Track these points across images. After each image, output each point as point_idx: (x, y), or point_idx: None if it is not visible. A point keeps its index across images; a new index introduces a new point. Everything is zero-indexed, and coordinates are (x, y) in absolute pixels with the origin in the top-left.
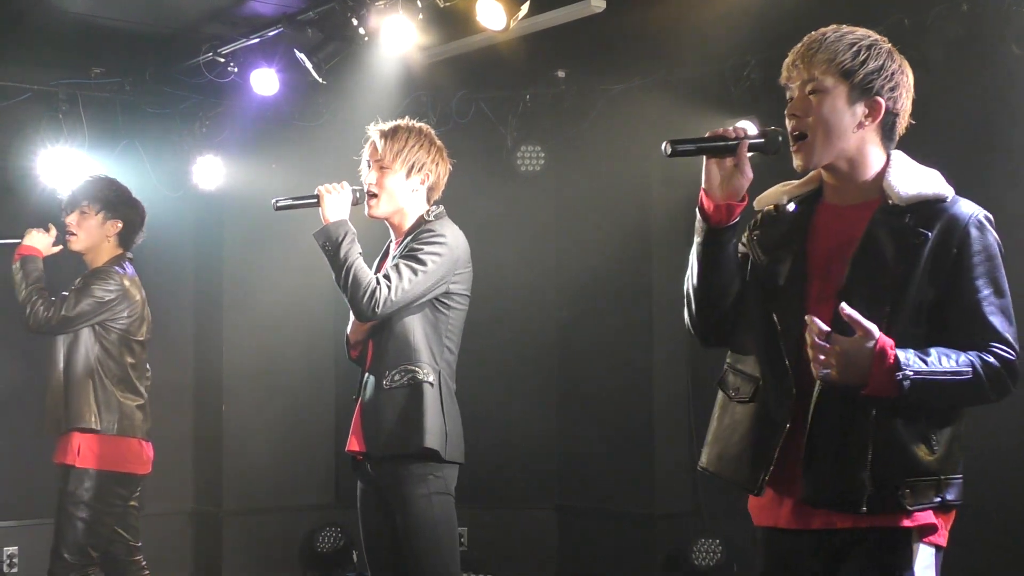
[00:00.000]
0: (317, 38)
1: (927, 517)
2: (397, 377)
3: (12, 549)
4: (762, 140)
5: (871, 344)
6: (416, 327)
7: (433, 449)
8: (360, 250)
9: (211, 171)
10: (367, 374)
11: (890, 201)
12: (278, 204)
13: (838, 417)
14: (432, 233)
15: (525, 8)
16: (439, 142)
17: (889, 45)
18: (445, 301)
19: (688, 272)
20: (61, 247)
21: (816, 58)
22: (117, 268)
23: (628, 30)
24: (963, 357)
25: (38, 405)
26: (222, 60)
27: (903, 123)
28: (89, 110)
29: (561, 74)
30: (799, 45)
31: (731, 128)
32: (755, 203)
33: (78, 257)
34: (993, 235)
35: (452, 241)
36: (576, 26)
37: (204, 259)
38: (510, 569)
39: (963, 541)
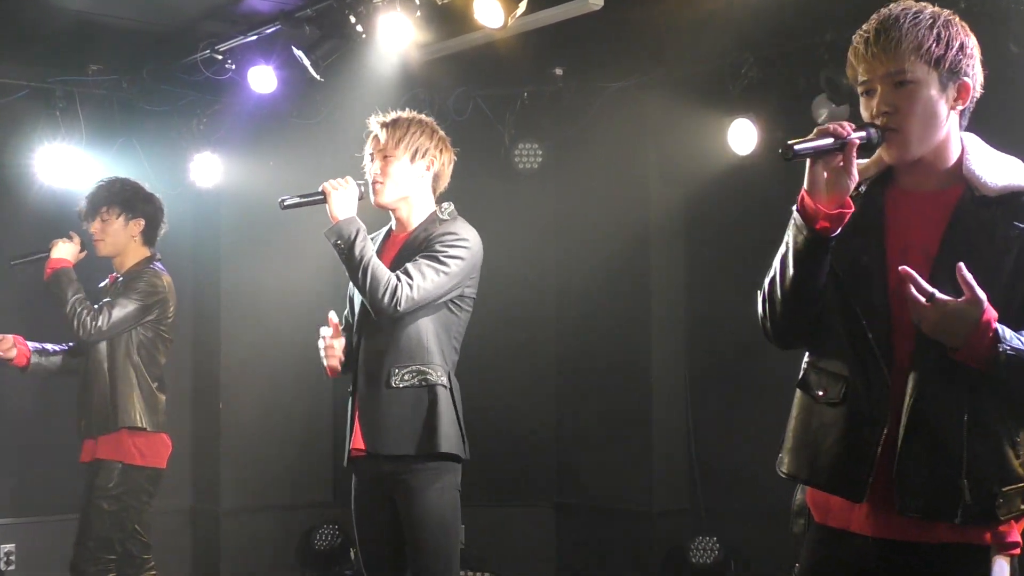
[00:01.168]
0: (315, 35)
1: (1012, 532)
2: (408, 377)
3: (9, 546)
4: (865, 137)
5: (977, 313)
6: (429, 328)
7: (452, 453)
8: (373, 247)
9: (209, 168)
10: (363, 368)
11: (978, 192)
12: (285, 203)
13: (932, 417)
14: (455, 236)
15: (523, 5)
16: (441, 132)
17: (956, 16)
18: (459, 303)
19: (774, 275)
20: (86, 252)
21: (901, 48)
22: (155, 267)
23: (626, 28)
24: None
25: (34, 404)
26: (220, 57)
27: (976, 96)
28: (86, 107)
29: (559, 72)
30: (871, 33)
31: (839, 126)
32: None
33: (107, 261)
34: None
35: (474, 246)
36: (574, 23)
37: (202, 257)
38: (509, 566)
39: None
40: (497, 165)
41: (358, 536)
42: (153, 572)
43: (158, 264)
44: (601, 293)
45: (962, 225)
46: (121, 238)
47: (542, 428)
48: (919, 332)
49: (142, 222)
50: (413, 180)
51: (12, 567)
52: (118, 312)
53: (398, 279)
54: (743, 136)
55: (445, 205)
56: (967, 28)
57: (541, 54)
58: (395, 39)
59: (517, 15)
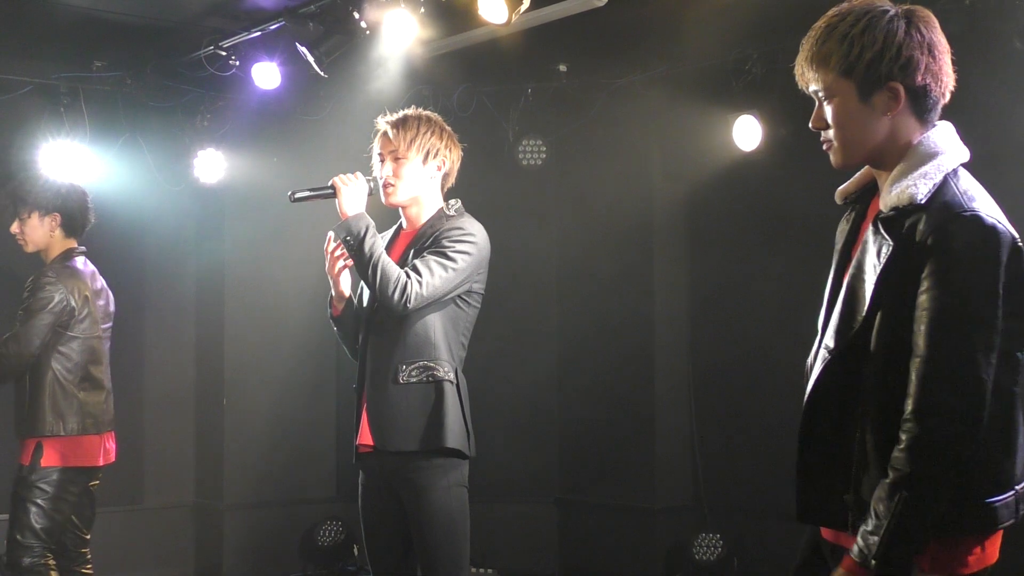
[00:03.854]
0: (318, 32)
1: (922, 557)
2: (415, 373)
3: None
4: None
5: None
6: (437, 323)
7: (456, 448)
8: (382, 243)
9: (213, 165)
10: (370, 364)
11: (880, 208)
12: (295, 196)
13: (828, 430)
14: (462, 231)
15: (527, 2)
16: (449, 128)
17: (892, 11)
18: (466, 299)
19: None
20: None
21: (815, 63)
22: (58, 267)
23: (630, 24)
24: (889, 488)
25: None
26: (223, 54)
27: (941, 88)
28: (91, 104)
29: (563, 68)
30: (801, 47)
31: None
32: (836, 195)
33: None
34: (968, 239)
35: (481, 241)
36: (578, 20)
37: (205, 253)
38: (511, 562)
39: None
40: (501, 161)
41: (365, 532)
42: (89, 567)
43: (75, 261)
44: (604, 289)
45: (866, 243)
46: (40, 235)
47: (545, 424)
48: (821, 359)
49: (58, 216)
50: (425, 180)
51: None
52: (28, 338)
53: (407, 276)
54: (747, 132)
55: (453, 201)
56: (902, 23)
57: (545, 50)
58: (399, 35)
59: (521, 11)
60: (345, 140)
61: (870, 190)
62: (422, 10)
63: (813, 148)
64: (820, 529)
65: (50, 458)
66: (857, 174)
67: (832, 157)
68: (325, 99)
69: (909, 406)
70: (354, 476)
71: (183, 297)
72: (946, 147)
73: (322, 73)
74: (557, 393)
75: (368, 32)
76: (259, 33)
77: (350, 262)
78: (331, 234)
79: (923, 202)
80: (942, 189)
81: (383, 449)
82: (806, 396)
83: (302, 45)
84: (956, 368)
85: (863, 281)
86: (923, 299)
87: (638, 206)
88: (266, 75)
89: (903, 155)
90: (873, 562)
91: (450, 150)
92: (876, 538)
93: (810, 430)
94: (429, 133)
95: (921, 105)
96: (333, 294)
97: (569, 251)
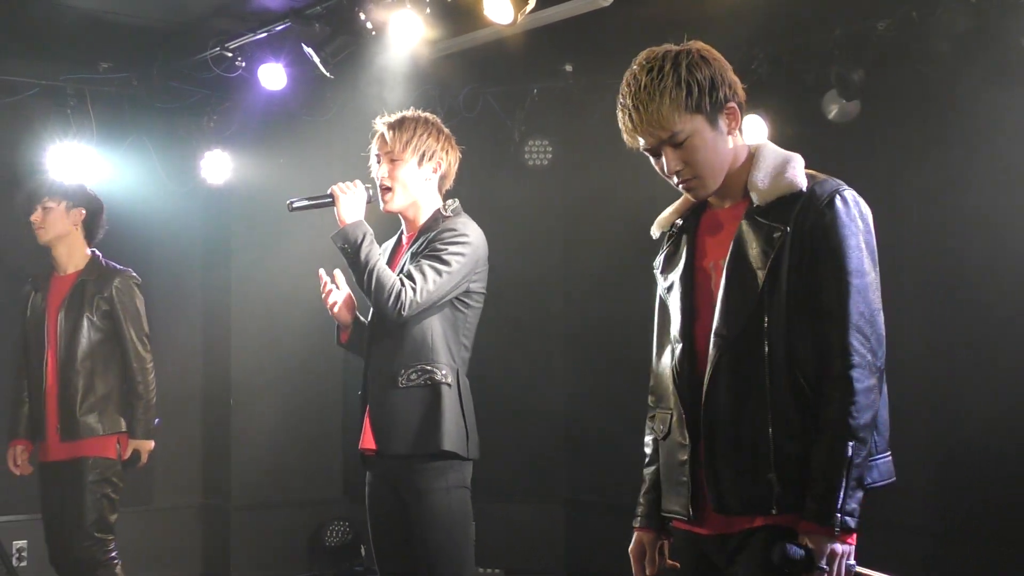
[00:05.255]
0: (324, 32)
1: None
2: (414, 376)
3: (21, 543)
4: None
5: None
6: (435, 326)
7: (452, 451)
8: (380, 251)
9: (219, 166)
10: (373, 369)
11: (755, 203)
12: (293, 205)
13: (734, 419)
14: (455, 232)
15: (532, 2)
16: (447, 130)
17: (687, 48)
18: (465, 300)
19: None
20: None
21: (661, 116)
22: (124, 273)
23: (635, 24)
24: (831, 445)
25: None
26: (230, 55)
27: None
28: (97, 105)
29: (568, 68)
30: (631, 109)
31: None
32: (652, 230)
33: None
34: (853, 211)
35: (475, 240)
36: (583, 20)
37: (212, 254)
38: (518, 563)
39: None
40: (507, 162)
41: (372, 533)
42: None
43: (112, 263)
44: (610, 289)
45: (743, 236)
46: (61, 224)
47: (552, 424)
48: (714, 347)
49: (83, 212)
50: (420, 183)
51: (24, 563)
52: (147, 341)
53: (402, 284)
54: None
55: (450, 202)
56: (707, 52)
57: (551, 51)
58: (405, 36)
59: (527, 12)
60: (351, 141)
61: (693, 213)
62: (428, 11)
63: (816, 148)
64: (694, 529)
65: (125, 453)
66: (674, 204)
67: (698, 191)
68: (331, 100)
69: (835, 366)
70: (361, 476)
71: (190, 298)
72: (787, 150)
73: (328, 74)
74: (564, 393)
75: (374, 33)
76: (265, 34)
77: (337, 297)
78: (322, 271)
79: (804, 189)
80: (811, 177)
81: (384, 453)
82: (705, 387)
83: (308, 46)
84: (866, 326)
85: (749, 271)
86: (828, 269)
87: (644, 206)
88: (272, 76)
89: (748, 163)
90: (838, 515)
91: (447, 152)
92: (836, 493)
93: (713, 420)
94: (426, 135)
95: (743, 116)
96: (337, 323)
97: (575, 251)
